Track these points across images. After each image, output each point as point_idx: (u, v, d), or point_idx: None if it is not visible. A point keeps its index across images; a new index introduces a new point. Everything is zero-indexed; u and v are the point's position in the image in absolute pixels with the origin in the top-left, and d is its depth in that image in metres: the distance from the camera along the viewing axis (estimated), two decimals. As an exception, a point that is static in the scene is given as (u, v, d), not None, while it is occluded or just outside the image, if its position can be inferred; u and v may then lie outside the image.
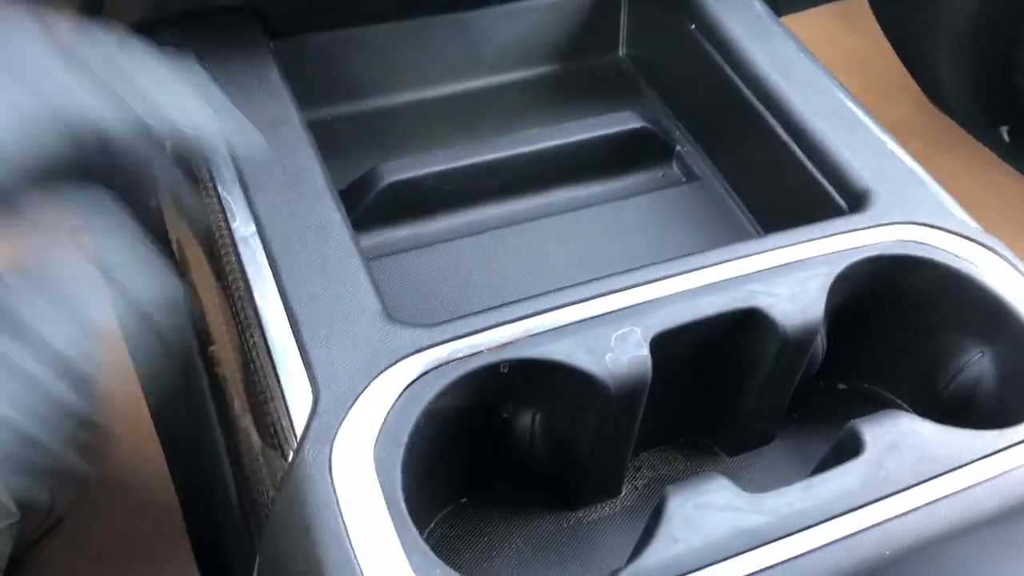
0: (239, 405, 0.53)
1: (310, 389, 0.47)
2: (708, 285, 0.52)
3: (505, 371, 0.49)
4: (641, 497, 0.55)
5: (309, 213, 0.54)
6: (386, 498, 0.44)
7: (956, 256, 0.54)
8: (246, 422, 0.51)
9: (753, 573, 0.42)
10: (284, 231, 0.53)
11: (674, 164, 0.70)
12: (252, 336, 0.50)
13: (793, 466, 0.57)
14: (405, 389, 0.47)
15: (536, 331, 0.49)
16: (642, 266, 0.53)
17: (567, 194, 0.68)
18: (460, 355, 0.48)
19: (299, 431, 0.46)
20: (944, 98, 1.19)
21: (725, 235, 0.65)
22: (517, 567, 0.52)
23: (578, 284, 0.52)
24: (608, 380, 0.48)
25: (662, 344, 0.49)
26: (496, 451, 0.52)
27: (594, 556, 0.53)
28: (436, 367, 0.48)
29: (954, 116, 1.22)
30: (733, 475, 0.57)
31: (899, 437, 0.47)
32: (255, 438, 0.50)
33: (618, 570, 0.43)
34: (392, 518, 0.43)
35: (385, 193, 0.63)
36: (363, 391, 0.47)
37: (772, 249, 0.54)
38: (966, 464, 0.46)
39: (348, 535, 0.43)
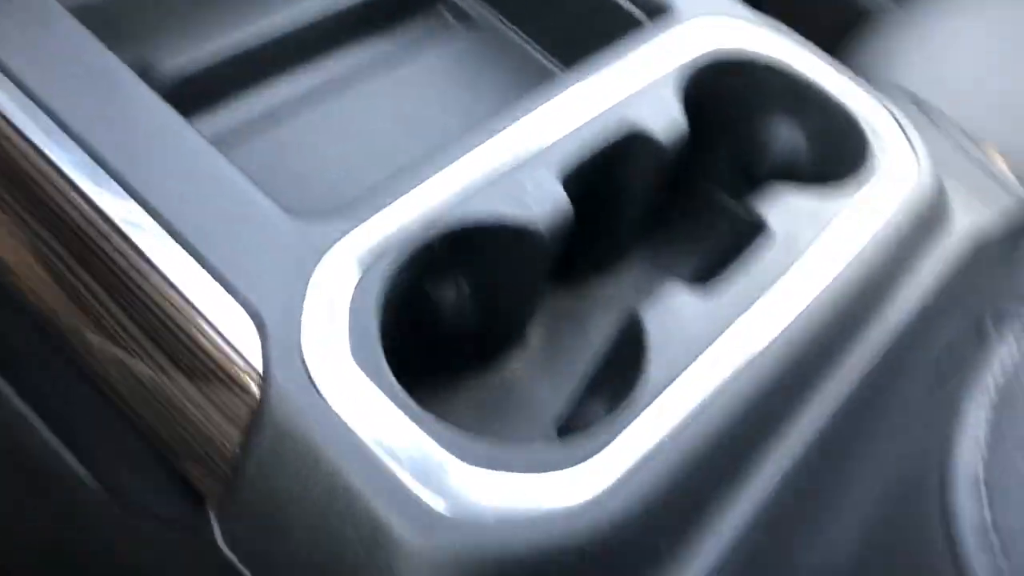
0: (97, 339, 0.43)
1: (243, 310, 0.41)
2: (590, 120, 0.51)
3: (437, 243, 0.45)
4: (547, 333, 0.55)
5: (141, 117, 0.45)
6: (395, 402, 0.40)
7: (764, 41, 0.59)
8: (118, 354, 0.43)
9: (752, 356, 0.45)
10: (118, 142, 0.44)
11: (444, 8, 0.67)
12: (125, 260, 0.42)
13: (666, 268, 0.60)
14: (359, 283, 0.42)
15: (451, 195, 0.46)
16: (510, 109, 0.51)
17: (352, 59, 0.63)
18: (390, 234, 0.44)
19: (255, 361, 0.40)
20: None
21: (530, 70, 0.64)
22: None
23: (459, 140, 0.49)
24: (541, 227, 0.47)
25: (568, 182, 0.49)
26: (418, 330, 0.49)
27: (535, 406, 0.52)
28: (373, 252, 0.43)
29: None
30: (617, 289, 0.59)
31: (790, 205, 0.51)
32: (166, 381, 0.42)
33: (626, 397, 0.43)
34: (411, 418, 0.40)
35: (177, 87, 0.54)
36: (305, 298, 0.42)
37: (619, 69, 0.54)
38: (841, 212, 0.52)
39: (374, 453, 0.38)
